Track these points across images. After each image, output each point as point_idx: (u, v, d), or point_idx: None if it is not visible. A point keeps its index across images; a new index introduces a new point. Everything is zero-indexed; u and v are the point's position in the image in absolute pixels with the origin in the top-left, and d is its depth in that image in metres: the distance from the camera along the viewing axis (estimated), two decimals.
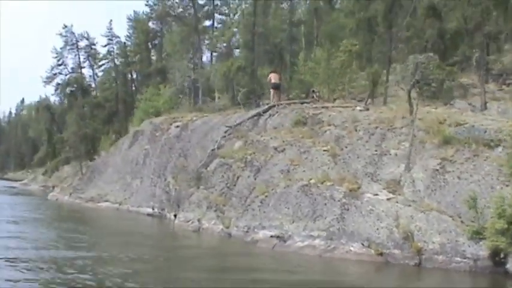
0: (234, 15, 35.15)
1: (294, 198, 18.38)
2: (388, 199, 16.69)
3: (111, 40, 51.67)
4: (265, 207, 19.05)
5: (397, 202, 16.45)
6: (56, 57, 57.20)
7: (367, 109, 23.10)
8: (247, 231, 18.89)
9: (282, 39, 29.39)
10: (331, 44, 30.65)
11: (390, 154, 18.61)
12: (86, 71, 57.67)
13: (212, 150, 24.74)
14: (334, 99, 26.23)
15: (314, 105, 25.38)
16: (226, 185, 22.28)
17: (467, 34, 23.50)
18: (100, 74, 57.31)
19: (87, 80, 56.89)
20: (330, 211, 16.90)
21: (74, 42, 56.71)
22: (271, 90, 28.50)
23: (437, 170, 16.79)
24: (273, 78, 27.81)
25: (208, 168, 24.17)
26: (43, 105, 60.74)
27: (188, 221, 22.39)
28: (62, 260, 14.06)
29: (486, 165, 16.28)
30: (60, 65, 57.20)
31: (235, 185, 21.99)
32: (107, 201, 32.74)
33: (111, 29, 51.66)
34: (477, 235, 14.44)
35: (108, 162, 36.46)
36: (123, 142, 36.16)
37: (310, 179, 18.73)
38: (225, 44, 34.05)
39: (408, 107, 21.00)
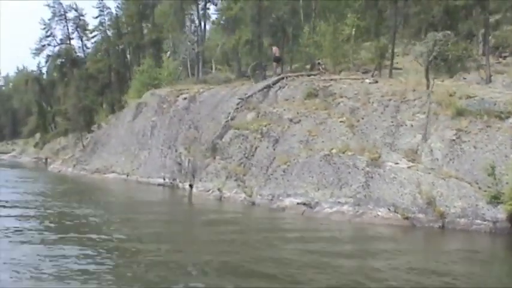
0: None
1: (317, 167, 19.43)
2: (408, 167, 17.85)
3: (102, 11, 51.59)
4: (289, 176, 20.09)
5: (417, 170, 17.62)
6: (44, 28, 56.75)
7: (376, 81, 24.15)
8: (271, 199, 19.92)
9: (285, 12, 30.05)
10: (329, 16, 31.66)
11: (406, 125, 19.70)
12: (75, 43, 57.52)
13: (226, 121, 25.52)
14: (340, 71, 27.16)
15: (322, 78, 26.29)
16: (244, 155, 23.23)
17: (472, 10, 24.58)
18: (90, 45, 57.27)
19: (76, 51, 56.74)
20: (355, 179, 18.01)
21: (62, 13, 56.30)
22: (274, 63, 29.46)
23: (453, 140, 17.97)
24: (276, 51, 28.91)
25: (223, 140, 25.04)
26: (32, 77, 60.40)
27: (208, 191, 23.31)
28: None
29: (499, 135, 17.50)
30: (48, 36, 56.75)
31: (253, 155, 22.95)
32: (113, 172, 33.43)
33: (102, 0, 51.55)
34: (495, 199, 15.71)
35: (111, 133, 37.01)
36: (125, 114, 36.65)
37: (332, 149, 19.78)
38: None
39: (416, 80, 22.28)
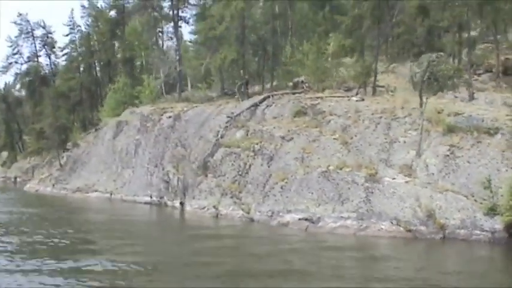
0: (210, 6, 36.07)
1: (315, 183, 20.01)
2: (406, 182, 18.65)
3: (73, 29, 51.09)
4: (287, 193, 20.59)
5: (414, 184, 18.44)
6: (11, 46, 55.72)
7: (363, 99, 24.99)
8: (271, 216, 20.37)
9: (265, 32, 30.76)
10: (310, 35, 32.81)
11: (399, 142, 20.55)
12: (43, 60, 56.63)
13: (216, 139, 25.87)
14: (323, 89, 27.90)
15: (307, 96, 26.96)
16: (238, 173, 23.63)
17: (455, 32, 25.81)
18: (58, 63, 56.50)
19: (44, 69, 55.85)
20: (355, 194, 18.67)
21: (29, 30, 55.39)
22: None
23: (447, 155, 18.90)
24: None
25: (214, 157, 25.37)
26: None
27: (203, 208, 23.61)
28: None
29: (490, 150, 18.54)
30: (15, 54, 55.80)
31: (247, 173, 23.37)
32: (96, 191, 33.17)
33: (72, 17, 51.10)
34: (492, 211, 16.64)
35: (90, 152, 36.70)
36: (105, 132, 36.42)
37: (329, 166, 20.40)
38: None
39: (404, 97, 23.25)
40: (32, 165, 51.54)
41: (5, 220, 21.72)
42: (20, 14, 54.81)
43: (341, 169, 20.01)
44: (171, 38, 45.98)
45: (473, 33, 26.88)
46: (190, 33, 39.00)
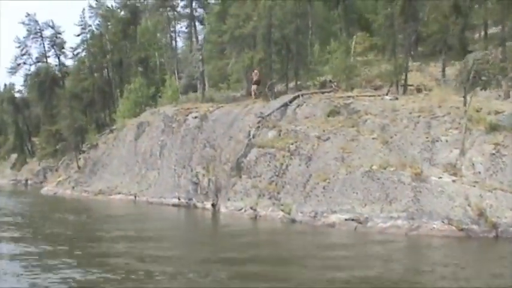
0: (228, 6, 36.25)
1: (360, 183, 20.26)
2: (453, 181, 18.89)
3: (84, 29, 51.17)
4: (330, 193, 20.83)
5: (462, 183, 18.70)
6: (19, 46, 55.88)
7: (396, 98, 25.21)
8: (314, 216, 20.60)
9: (290, 31, 30.96)
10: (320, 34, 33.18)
11: (441, 140, 20.79)
12: (52, 61, 56.78)
13: (248, 140, 26.08)
14: (352, 89, 28.16)
15: (337, 95, 27.18)
16: (275, 174, 23.86)
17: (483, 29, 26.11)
18: (68, 63, 56.69)
19: (54, 70, 55.99)
20: (403, 194, 18.92)
21: (38, 30, 55.54)
22: (253, 86, 30.97)
23: (493, 154, 19.15)
24: (255, 75, 30.68)
25: (247, 158, 25.56)
26: (7, 97, 59.16)
27: (240, 210, 23.81)
28: None
29: None
30: (23, 54, 55.96)
31: (284, 173, 23.60)
32: (119, 193, 33.38)
33: (84, 17, 51.23)
34: None
35: (111, 153, 36.86)
36: (125, 133, 36.61)
37: (372, 165, 20.62)
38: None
39: (441, 96, 23.49)
40: (43, 167, 51.77)
41: (56, 232, 20.79)
42: (28, 14, 55.05)
43: (385, 168, 20.25)
44: (190, 38, 46.07)
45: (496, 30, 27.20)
46: (209, 33, 38.55)
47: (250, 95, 31.61)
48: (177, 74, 38.43)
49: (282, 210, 22.11)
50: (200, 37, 42.65)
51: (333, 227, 19.65)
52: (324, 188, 21.23)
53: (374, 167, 20.53)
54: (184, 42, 57.15)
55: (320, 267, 13.63)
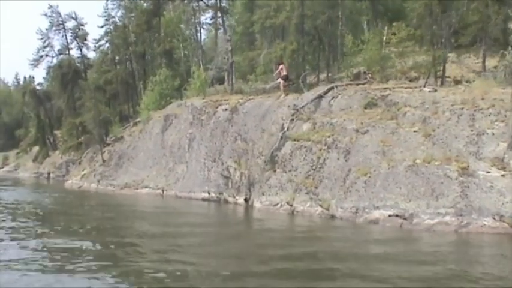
0: None
1: (403, 178, 19.76)
2: (502, 176, 18.31)
3: (108, 20, 51.02)
4: (372, 188, 20.36)
5: None
6: (42, 38, 55.91)
7: (435, 90, 24.60)
8: (356, 212, 20.15)
9: (323, 20, 30.47)
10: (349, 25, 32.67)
11: (487, 134, 20.17)
12: (74, 53, 56.85)
13: (282, 133, 25.68)
14: (387, 80, 27.62)
15: (373, 87, 26.64)
16: (312, 167, 23.45)
17: None
18: (90, 55, 56.79)
19: (76, 62, 56.03)
20: (450, 189, 18.40)
21: (60, 22, 55.56)
22: (281, 81, 30.07)
23: None
24: (282, 69, 29.90)
25: (282, 151, 25.16)
26: (29, 90, 59.38)
27: (276, 205, 23.45)
28: None
29: None
30: (46, 46, 56.03)
31: (321, 167, 23.17)
32: (146, 187, 33.26)
33: (107, 9, 51.06)
34: None
35: (137, 147, 36.72)
36: (152, 126, 36.45)
37: (415, 159, 20.09)
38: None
39: (480, 89, 22.84)
40: (65, 160, 51.87)
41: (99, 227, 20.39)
42: (51, 6, 55.01)
43: (429, 163, 19.73)
44: (216, 29, 45.77)
45: None
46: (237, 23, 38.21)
47: (279, 88, 31.14)
48: (202, 65, 38.03)
49: (320, 206, 21.74)
50: (228, 28, 42.17)
51: (376, 223, 19.21)
52: (365, 182, 20.78)
53: (418, 161, 20.03)
54: (207, 34, 57.00)
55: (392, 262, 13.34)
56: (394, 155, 21.08)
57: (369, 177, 20.84)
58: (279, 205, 23.34)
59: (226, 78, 35.74)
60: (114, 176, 36.45)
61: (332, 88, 27.46)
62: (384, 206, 19.44)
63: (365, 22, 40.39)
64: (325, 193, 22.08)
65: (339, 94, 26.72)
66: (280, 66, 30.15)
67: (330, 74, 32.52)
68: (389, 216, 19.04)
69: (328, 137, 24.06)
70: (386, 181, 20.15)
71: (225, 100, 31.70)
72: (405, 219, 18.62)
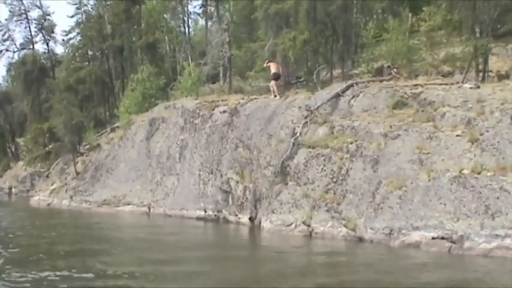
0: None
1: (448, 192, 18.49)
2: None
3: (79, 9, 49.54)
4: (409, 204, 19.08)
5: None
6: (1, 30, 54.47)
7: (478, 86, 23.43)
8: (389, 233, 18.87)
9: (337, 6, 29.27)
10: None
11: None
12: (39, 47, 55.32)
13: (294, 138, 24.40)
14: (416, 76, 26.49)
15: (401, 83, 25.46)
16: (332, 180, 22.15)
17: None
18: (58, 51, 55.42)
19: (41, 57, 54.51)
20: (509, 206, 17.11)
21: (23, 11, 54.04)
22: (272, 81, 29.19)
23: None
24: (274, 68, 28.87)
25: (295, 161, 23.88)
26: None
27: (289, 225, 22.12)
28: None
29: None
30: (6, 40, 54.58)
31: (344, 179, 21.89)
32: (129, 204, 31.92)
33: None
34: None
35: (117, 156, 35.33)
36: (135, 132, 35.10)
37: (462, 170, 18.83)
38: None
39: None
40: (30, 173, 50.41)
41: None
42: None
43: (479, 173, 18.48)
44: (206, 19, 44.58)
45: None
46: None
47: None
48: (192, 61, 36.75)
49: (345, 226, 20.43)
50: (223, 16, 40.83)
51: (417, 247, 17.93)
52: (400, 197, 19.48)
53: (465, 172, 18.76)
54: (194, 26, 55.81)
55: None
56: (435, 164, 19.78)
57: (405, 191, 19.54)
58: (293, 225, 21.97)
59: (221, 75, 34.37)
60: (90, 191, 34.96)
61: (352, 85, 26.21)
62: (426, 226, 18.13)
63: (380, 11, 39.41)
64: (350, 210, 20.73)
65: (361, 92, 25.45)
66: (268, 64, 29.20)
67: (344, 70, 31.30)
68: (433, 238, 17.73)
69: (351, 143, 22.78)
70: (427, 196, 18.85)
71: (222, 101, 30.48)
72: (453, 242, 17.30)
